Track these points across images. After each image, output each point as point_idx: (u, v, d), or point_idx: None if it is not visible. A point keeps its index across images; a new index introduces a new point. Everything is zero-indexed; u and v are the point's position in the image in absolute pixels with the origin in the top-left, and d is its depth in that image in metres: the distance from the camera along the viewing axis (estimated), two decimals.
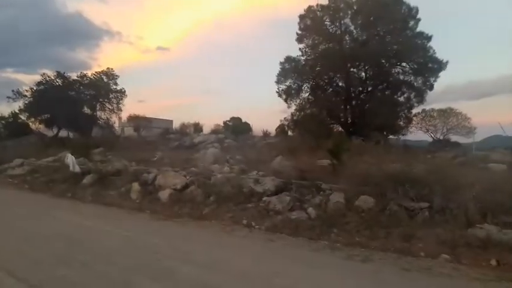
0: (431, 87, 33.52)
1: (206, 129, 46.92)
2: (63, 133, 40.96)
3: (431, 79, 32.76)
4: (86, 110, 38.70)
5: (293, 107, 37.14)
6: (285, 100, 37.78)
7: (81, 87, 37.72)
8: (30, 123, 40.58)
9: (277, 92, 37.47)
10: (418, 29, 31.62)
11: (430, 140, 36.78)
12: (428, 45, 31.39)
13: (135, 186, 13.65)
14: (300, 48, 35.64)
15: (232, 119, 66.57)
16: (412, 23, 31.57)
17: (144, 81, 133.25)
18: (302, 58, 35.77)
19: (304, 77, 36.31)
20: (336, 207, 9.73)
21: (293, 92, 37.01)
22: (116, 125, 44.88)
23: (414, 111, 35.45)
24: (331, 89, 36.10)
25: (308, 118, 34.15)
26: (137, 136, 44.85)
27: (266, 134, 56.84)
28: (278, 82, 37.38)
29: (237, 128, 51.51)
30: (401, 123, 34.31)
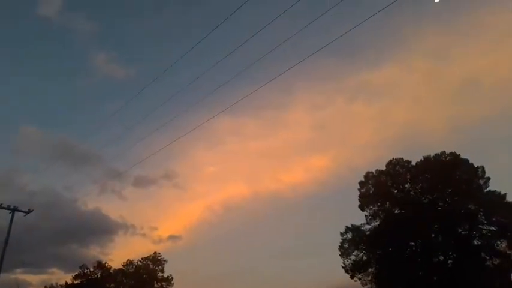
0: None
1: None
2: None
3: None
4: None
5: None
6: (351, 276, 33.18)
7: (124, 279, 32.56)
8: None
9: (343, 267, 33.26)
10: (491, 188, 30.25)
11: None
12: (507, 202, 29.29)
13: None
14: (365, 216, 33.45)
15: None
16: (481, 182, 30.57)
17: None
18: (368, 226, 33.09)
19: (371, 247, 32.76)
20: None
21: (361, 264, 32.83)
22: None
23: None
24: (406, 259, 31.79)
25: None
26: None
27: None
28: (342, 255, 33.60)
29: None
30: None
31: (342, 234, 34.01)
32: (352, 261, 33.34)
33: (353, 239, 33.76)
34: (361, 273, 32.77)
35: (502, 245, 29.86)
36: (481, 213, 30.04)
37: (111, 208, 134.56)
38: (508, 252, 29.68)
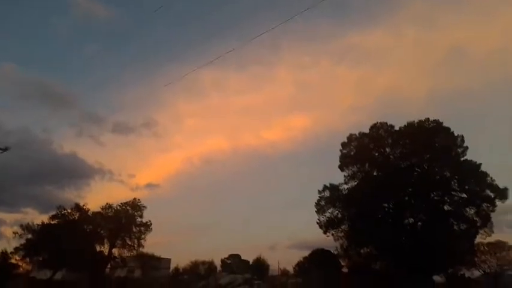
0: (486, 218, 30.94)
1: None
2: (60, 275, 34.14)
3: (488, 208, 30.54)
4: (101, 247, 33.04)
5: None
6: (325, 232, 34.54)
7: (103, 222, 32.98)
8: (20, 265, 34.15)
9: (317, 223, 34.48)
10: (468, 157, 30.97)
11: None
12: (481, 171, 30.18)
13: None
14: (344, 176, 34.12)
15: (231, 256, 60.44)
16: (459, 150, 31.20)
17: None
18: (345, 186, 33.88)
19: (347, 206, 33.84)
20: None
21: (335, 221, 34.11)
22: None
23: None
24: (378, 219, 33.08)
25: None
26: (145, 278, 38.18)
27: (284, 273, 51.25)
28: (318, 212, 34.67)
29: (258, 266, 46.19)
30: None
31: (319, 192, 34.76)
32: (327, 218, 34.42)
33: (330, 197, 34.59)
34: (334, 230, 34.06)
35: (471, 211, 31.16)
36: (455, 181, 31.02)
37: (88, 153, 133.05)
38: (475, 218, 31.10)
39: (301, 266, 41.20)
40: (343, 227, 34.29)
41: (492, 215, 30.53)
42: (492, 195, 30.11)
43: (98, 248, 33.14)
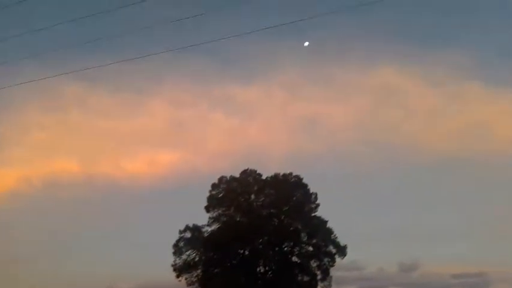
0: (326, 272, 33.80)
1: None
2: None
3: (328, 263, 33.56)
4: None
5: None
6: (178, 276, 32.92)
7: None
8: None
9: (172, 265, 32.71)
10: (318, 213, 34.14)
11: None
12: (328, 228, 33.45)
13: None
14: (209, 217, 33.81)
15: None
16: (312, 206, 34.25)
17: None
18: (208, 228, 33.51)
19: (205, 249, 33.25)
20: None
21: (191, 265, 32.95)
22: None
23: None
24: (234, 266, 33.20)
25: None
26: None
27: None
28: (175, 254, 33.07)
29: None
30: None
31: (180, 232, 33.50)
32: (183, 261, 33.05)
33: (191, 239, 33.60)
34: (188, 274, 32.73)
35: (314, 265, 33.84)
36: (305, 234, 33.67)
37: None
38: (316, 272, 33.76)
39: None
40: (198, 271, 33.21)
41: (332, 269, 33.66)
42: (334, 251, 33.48)
43: None
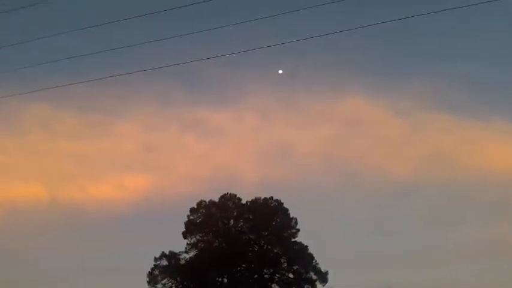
0: None
1: None
2: None
3: None
4: None
5: None
6: None
7: None
8: None
9: None
10: (299, 239, 33.70)
11: None
12: (309, 253, 33.03)
13: None
14: (187, 243, 32.58)
15: None
16: (293, 231, 33.89)
17: None
18: (186, 255, 32.15)
19: (183, 277, 31.80)
20: None
21: None
22: None
23: None
24: None
25: None
26: None
27: None
28: (149, 282, 31.30)
29: None
30: None
31: (155, 259, 31.92)
32: None
33: (167, 266, 32.11)
34: None
35: None
36: (285, 260, 33.05)
37: None
38: None
39: None
40: None
41: None
42: (315, 277, 32.93)
43: None
